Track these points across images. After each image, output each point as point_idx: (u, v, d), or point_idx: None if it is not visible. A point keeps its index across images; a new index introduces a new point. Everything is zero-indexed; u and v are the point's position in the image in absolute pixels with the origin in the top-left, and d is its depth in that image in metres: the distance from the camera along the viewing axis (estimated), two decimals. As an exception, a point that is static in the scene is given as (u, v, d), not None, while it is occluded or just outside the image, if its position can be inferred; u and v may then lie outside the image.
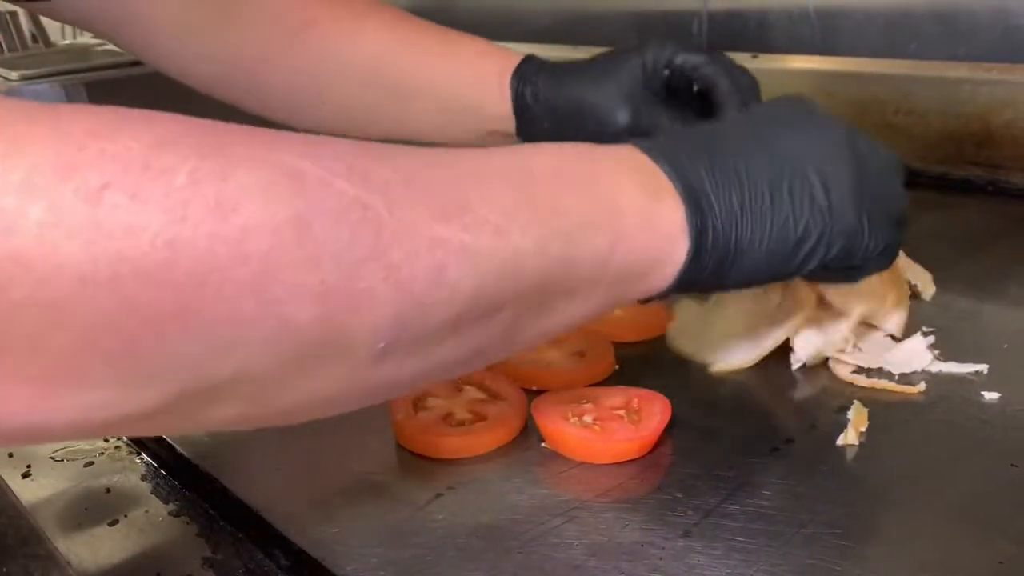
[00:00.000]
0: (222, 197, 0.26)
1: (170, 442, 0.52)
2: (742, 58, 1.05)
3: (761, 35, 1.17)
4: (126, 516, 0.48)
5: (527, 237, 0.34)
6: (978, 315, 0.61)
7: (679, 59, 0.61)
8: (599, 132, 0.61)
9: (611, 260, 0.37)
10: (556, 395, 0.52)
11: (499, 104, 0.64)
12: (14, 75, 1.25)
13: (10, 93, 1.20)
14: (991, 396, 0.51)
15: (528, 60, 0.65)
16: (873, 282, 0.51)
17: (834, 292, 0.54)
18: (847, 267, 0.45)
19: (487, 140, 0.66)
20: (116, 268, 0.24)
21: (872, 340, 0.57)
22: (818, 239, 0.42)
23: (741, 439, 0.49)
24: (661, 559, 0.40)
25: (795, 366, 0.55)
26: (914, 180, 0.90)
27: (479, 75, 0.64)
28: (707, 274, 0.41)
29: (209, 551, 0.45)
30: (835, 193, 0.42)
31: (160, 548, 0.46)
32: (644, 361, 0.58)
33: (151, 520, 0.48)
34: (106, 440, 0.55)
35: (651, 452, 0.48)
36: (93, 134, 0.25)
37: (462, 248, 0.31)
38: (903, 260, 0.61)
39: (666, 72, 0.61)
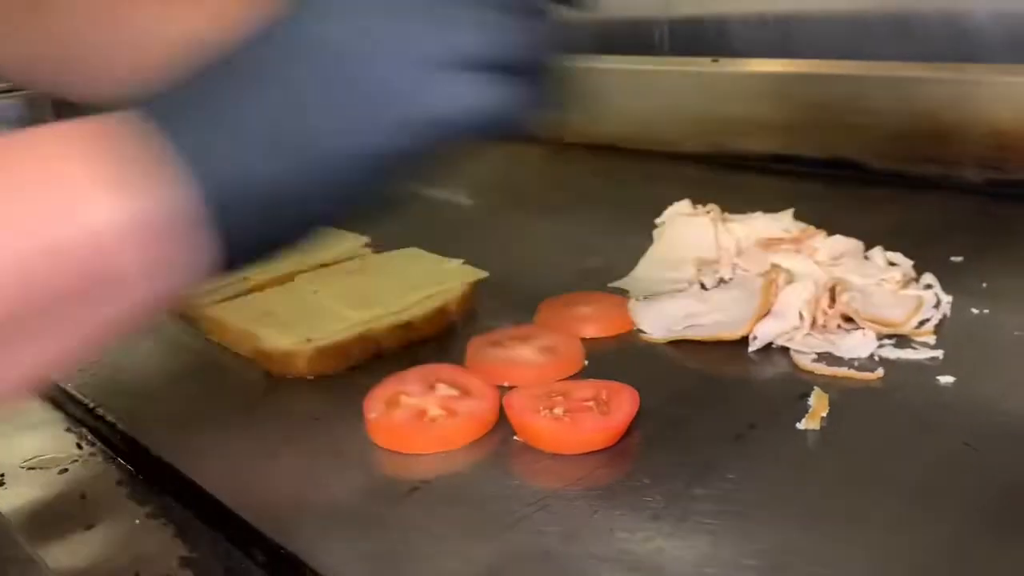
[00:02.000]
0: None
1: (145, 445, 0.52)
2: (702, 62, 1.08)
3: (721, 40, 1.20)
4: (103, 521, 0.48)
5: None
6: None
7: None
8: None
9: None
10: (528, 390, 0.53)
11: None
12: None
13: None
14: (946, 380, 0.53)
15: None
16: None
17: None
18: None
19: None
20: None
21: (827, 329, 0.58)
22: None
23: (706, 427, 0.50)
24: (630, 543, 0.41)
25: (752, 347, 0.57)
26: (872, 177, 0.93)
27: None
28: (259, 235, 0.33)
29: (186, 551, 0.45)
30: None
31: (138, 550, 0.46)
32: (613, 355, 0.60)
33: (128, 523, 0.48)
34: (80, 447, 0.56)
35: (620, 441, 0.49)
36: None
37: None
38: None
39: None
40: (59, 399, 0.61)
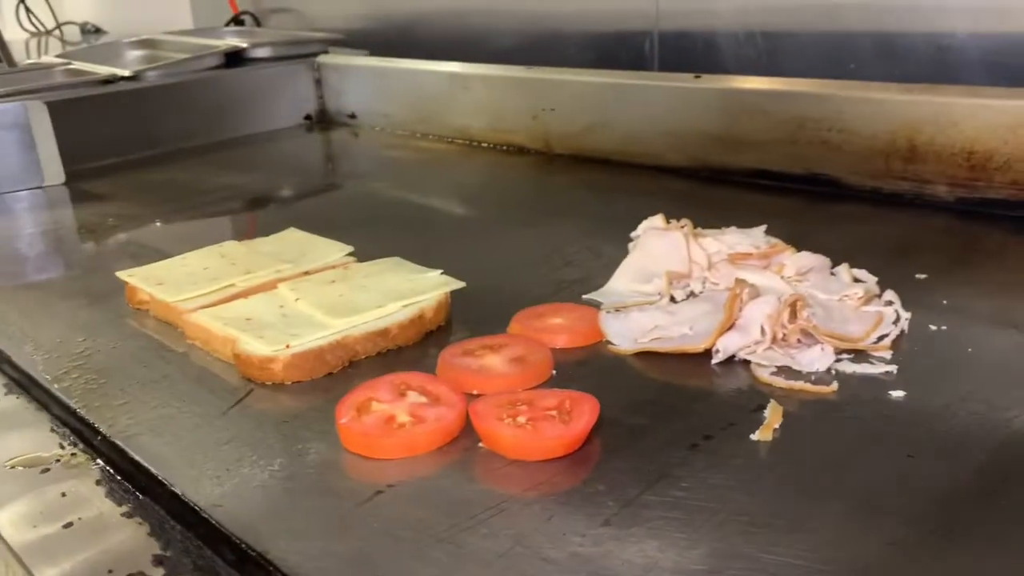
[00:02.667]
0: None
1: (123, 447, 0.54)
2: (685, 78, 1.10)
3: (710, 55, 1.22)
4: (80, 519, 0.50)
5: None
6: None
7: None
8: None
9: None
10: (494, 398, 0.55)
11: None
12: (-24, 95, 1.27)
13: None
14: (898, 394, 0.55)
15: None
16: None
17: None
18: None
19: None
20: None
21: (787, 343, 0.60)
22: None
23: (664, 437, 0.52)
24: (581, 545, 0.43)
25: (715, 360, 0.60)
26: (847, 193, 0.95)
27: None
28: None
29: (159, 549, 0.47)
30: None
31: (113, 547, 0.48)
32: (581, 366, 0.62)
33: (104, 521, 0.50)
34: (62, 447, 0.58)
35: (580, 449, 0.51)
36: None
37: None
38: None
39: None
40: (44, 401, 0.63)
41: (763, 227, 0.78)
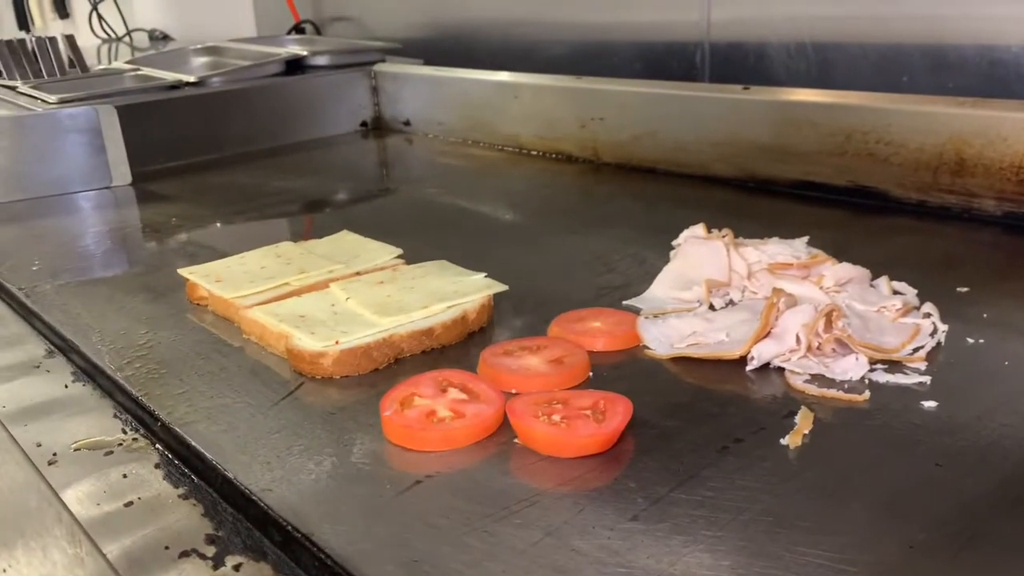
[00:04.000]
0: None
1: (181, 433, 0.57)
2: (733, 89, 1.11)
3: (760, 67, 1.23)
4: (140, 498, 0.54)
5: None
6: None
7: None
8: None
9: None
10: (531, 397, 0.57)
11: None
12: (53, 98, 1.33)
13: (48, 114, 1.27)
14: (930, 405, 0.55)
15: None
16: None
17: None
18: None
19: None
20: None
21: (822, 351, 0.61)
22: None
23: (695, 439, 0.53)
24: (609, 538, 0.45)
25: (750, 367, 0.61)
26: (893, 206, 0.95)
27: None
28: None
29: (212, 529, 0.50)
30: None
31: (169, 525, 0.51)
32: (617, 368, 0.63)
33: (162, 502, 0.53)
34: (124, 432, 0.61)
35: (613, 448, 0.53)
36: None
37: None
38: None
39: None
40: (109, 388, 0.67)
41: (805, 238, 0.79)
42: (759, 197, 1.05)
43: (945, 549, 0.43)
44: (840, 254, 0.75)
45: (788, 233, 0.80)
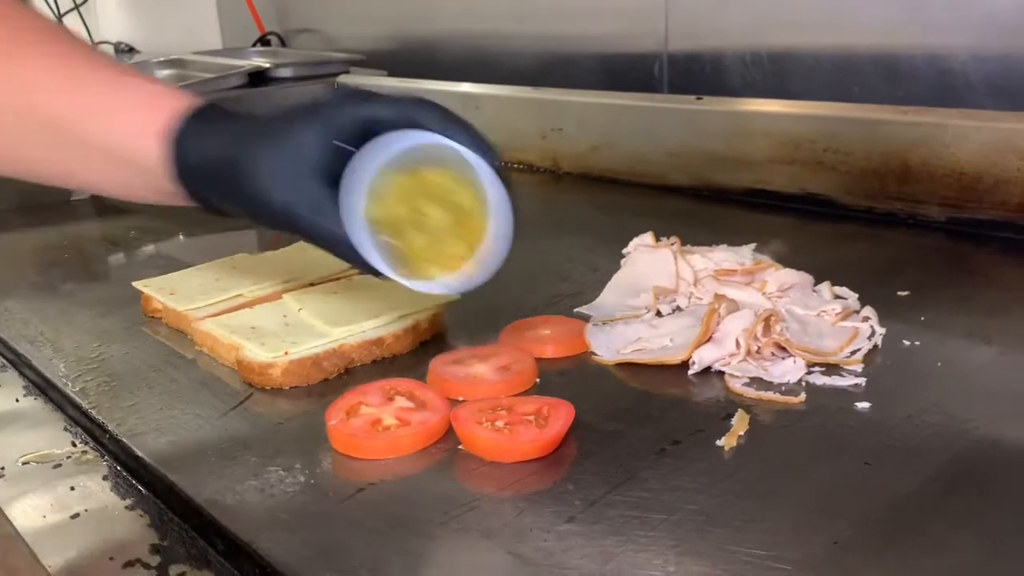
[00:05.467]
0: None
1: (128, 445, 0.58)
2: (688, 100, 1.13)
3: (717, 77, 1.25)
4: (87, 510, 0.54)
5: None
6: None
7: (364, 115, 0.53)
8: (253, 204, 0.54)
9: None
10: (476, 403, 0.58)
11: (161, 163, 0.55)
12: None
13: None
14: (863, 406, 0.57)
15: (201, 111, 0.56)
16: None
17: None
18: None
19: (166, 199, 0.59)
20: None
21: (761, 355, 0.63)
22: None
23: (635, 442, 0.55)
24: (545, 540, 0.46)
25: (692, 371, 0.62)
26: (842, 213, 0.98)
27: (137, 127, 0.56)
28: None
29: (157, 539, 0.51)
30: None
31: (115, 537, 0.51)
32: (564, 375, 0.65)
33: (108, 513, 0.53)
34: (74, 445, 0.61)
35: (554, 452, 0.54)
36: None
37: None
38: None
39: (348, 138, 0.53)
40: (60, 402, 0.67)
41: (752, 245, 0.80)
42: (713, 205, 1.07)
43: (870, 544, 0.44)
44: (787, 260, 0.76)
45: (738, 240, 0.82)
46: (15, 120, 0.58)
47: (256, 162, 0.53)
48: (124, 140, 0.56)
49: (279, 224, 0.54)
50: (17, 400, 0.69)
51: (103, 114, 0.56)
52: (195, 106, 0.56)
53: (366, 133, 0.53)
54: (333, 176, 0.53)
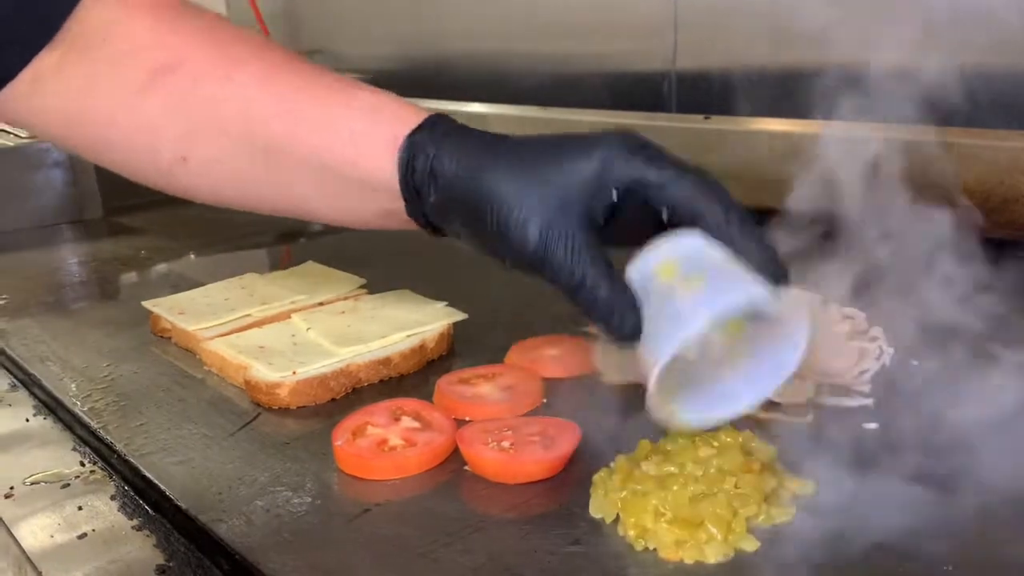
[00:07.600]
0: None
1: (136, 465, 0.58)
2: (694, 120, 1.13)
3: (725, 96, 1.25)
4: (94, 530, 0.54)
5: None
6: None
7: (638, 175, 0.50)
8: (501, 236, 0.50)
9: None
10: (482, 424, 0.58)
11: (391, 180, 0.53)
12: (24, 133, 1.34)
13: (20, 149, 1.28)
14: (871, 426, 0.57)
15: (432, 123, 0.53)
16: None
17: None
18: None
19: (389, 222, 0.57)
20: None
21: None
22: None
23: (642, 463, 0.54)
24: (549, 562, 0.46)
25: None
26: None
27: (362, 143, 0.53)
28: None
29: (164, 559, 0.51)
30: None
31: (121, 557, 0.51)
32: (571, 395, 0.64)
33: (116, 533, 0.54)
34: (83, 465, 0.62)
35: (561, 473, 0.54)
36: None
37: None
38: None
39: (617, 191, 0.49)
40: (69, 421, 0.68)
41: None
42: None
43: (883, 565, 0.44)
44: (799, 280, 0.76)
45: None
46: (232, 142, 0.56)
47: (516, 196, 0.49)
48: (353, 157, 0.54)
49: (523, 259, 0.50)
50: (27, 420, 0.69)
51: (317, 134, 0.54)
52: (423, 118, 0.53)
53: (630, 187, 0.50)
54: (589, 217, 0.49)
